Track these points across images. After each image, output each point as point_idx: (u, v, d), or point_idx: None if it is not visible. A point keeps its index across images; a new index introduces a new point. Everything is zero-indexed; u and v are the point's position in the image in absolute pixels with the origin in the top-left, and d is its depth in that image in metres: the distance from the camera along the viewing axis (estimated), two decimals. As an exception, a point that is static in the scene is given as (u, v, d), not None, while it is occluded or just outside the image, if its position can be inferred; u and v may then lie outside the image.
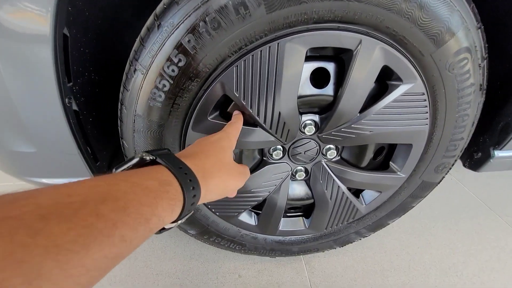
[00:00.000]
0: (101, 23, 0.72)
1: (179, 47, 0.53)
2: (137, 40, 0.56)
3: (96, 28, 0.70)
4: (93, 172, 0.75)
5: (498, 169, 0.87)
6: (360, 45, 0.57)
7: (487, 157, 0.85)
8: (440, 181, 0.85)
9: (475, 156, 0.88)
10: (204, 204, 0.81)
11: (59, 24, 0.51)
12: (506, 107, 0.78)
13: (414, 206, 0.93)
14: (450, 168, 0.82)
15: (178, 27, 0.51)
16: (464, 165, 0.93)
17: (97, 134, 0.77)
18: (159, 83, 0.57)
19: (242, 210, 0.84)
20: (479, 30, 0.59)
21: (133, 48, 0.57)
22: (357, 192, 0.90)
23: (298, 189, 0.89)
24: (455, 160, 0.80)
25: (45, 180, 0.74)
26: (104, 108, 0.78)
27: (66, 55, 0.57)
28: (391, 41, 0.58)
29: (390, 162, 0.81)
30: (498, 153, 0.83)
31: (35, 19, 0.49)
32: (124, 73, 0.59)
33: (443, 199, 1.37)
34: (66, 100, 0.61)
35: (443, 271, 1.01)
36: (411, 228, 1.19)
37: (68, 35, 0.55)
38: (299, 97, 0.66)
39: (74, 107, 0.64)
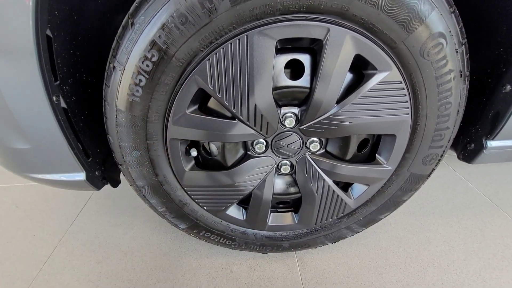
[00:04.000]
0: (92, 28, 0.76)
1: (151, 43, 0.56)
2: (115, 39, 0.59)
3: (86, 32, 0.75)
4: (85, 168, 0.79)
5: (492, 160, 0.84)
6: (328, 35, 0.57)
7: (480, 148, 0.82)
8: (431, 173, 0.83)
9: (468, 147, 0.85)
10: (191, 198, 0.83)
11: (40, 26, 0.55)
12: (496, 95, 0.75)
13: (406, 200, 0.90)
14: (440, 160, 0.80)
15: (149, 23, 0.54)
16: (458, 157, 0.90)
17: (90, 132, 0.80)
18: (136, 78, 0.59)
19: (229, 204, 0.85)
20: (453, 14, 0.58)
21: (112, 47, 0.60)
22: (346, 187, 0.89)
23: (285, 183, 0.89)
24: (444, 151, 0.78)
25: (40, 176, 0.79)
26: (98, 108, 0.83)
27: (51, 55, 0.61)
28: (361, 30, 0.58)
29: (376, 155, 0.80)
30: (491, 143, 0.80)
31: (18, 22, 0.53)
32: (105, 70, 0.63)
33: (446, 196, 1.32)
34: (54, 97, 0.65)
35: (441, 269, 0.98)
36: (410, 225, 1.16)
37: (52, 36, 0.59)
38: (275, 89, 0.67)
39: (63, 104, 0.68)
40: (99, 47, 0.81)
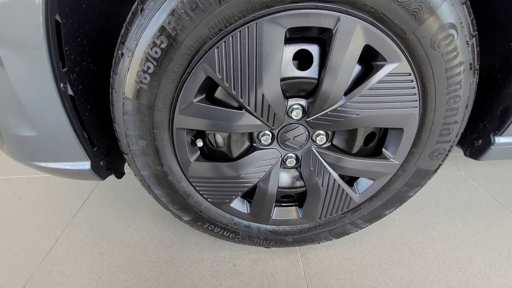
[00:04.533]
0: (100, 16, 0.76)
1: (161, 29, 0.55)
2: (124, 25, 0.59)
3: (94, 20, 0.75)
4: (90, 157, 0.78)
5: (500, 157, 0.83)
6: (338, 24, 0.57)
7: (488, 144, 0.81)
8: (437, 168, 0.82)
9: (476, 143, 0.84)
10: (195, 189, 0.83)
11: (50, 10, 0.55)
12: (505, 89, 0.75)
13: (411, 196, 0.90)
14: (447, 155, 0.79)
15: (159, 9, 0.54)
16: (465, 154, 0.89)
17: (96, 121, 0.80)
18: (144, 65, 0.59)
19: (233, 197, 0.85)
20: (464, 5, 0.57)
21: (120, 33, 0.60)
22: (351, 181, 0.88)
23: (290, 177, 0.89)
24: (451, 146, 0.77)
25: (45, 164, 0.79)
26: (103, 97, 0.82)
27: (59, 40, 0.61)
28: (371, 19, 0.57)
29: (383, 149, 0.79)
30: (499, 139, 0.79)
31: (28, 5, 0.53)
32: (113, 57, 0.63)
33: (450, 195, 1.31)
34: (61, 84, 0.65)
35: (445, 266, 0.97)
36: (413, 223, 1.15)
37: (61, 22, 0.59)
38: (283, 79, 0.66)
39: (70, 92, 0.68)
40: (105, 38, 0.80)
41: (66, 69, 0.65)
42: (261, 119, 0.69)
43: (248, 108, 0.66)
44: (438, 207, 1.24)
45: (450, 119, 0.71)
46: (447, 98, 0.67)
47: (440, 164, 0.82)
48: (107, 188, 1.39)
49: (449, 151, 0.78)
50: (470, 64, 0.63)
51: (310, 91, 0.69)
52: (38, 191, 1.39)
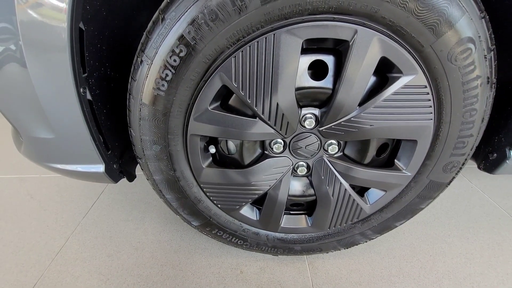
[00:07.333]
0: (118, 24, 0.78)
1: (180, 38, 0.57)
2: (144, 33, 0.60)
3: (113, 27, 0.77)
4: (104, 161, 0.80)
5: (516, 171, 0.81)
6: (356, 36, 0.57)
7: (503, 158, 0.80)
8: (451, 181, 0.81)
9: (490, 157, 0.83)
10: (206, 195, 0.83)
11: (75, 18, 0.57)
12: (522, 104, 0.74)
13: (423, 208, 0.88)
14: (461, 168, 0.79)
15: (179, 19, 0.55)
16: (478, 167, 0.88)
17: (111, 125, 0.82)
18: (162, 72, 0.60)
19: (243, 204, 0.85)
20: (483, 19, 0.57)
21: (140, 41, 0.61)
22: (362, 192, 0.88)
23: (300, 185, 0.88)
24: (466, 159, 0.76)
25: (60, 166, 0.81)
26: (119, 102, 0.84)
27: (81, 47, 0.62)
28: (389, 32, 0.58)
29: (395, 160, 0.79)
30: (515, 154, 0.78)
31: (54, 13, 0.55)
32: (132, 64, 0.64)
33: (462, 207, 1.29)
34: (81, 89, 0.66)
35: (457, 281, 0.95)
36: (424, 235, 1.13)
37: (84, 29, 0.61)
38: (298, 89, 0.67)
39: (89, 96, 0.70)
40: (122, 43, 0.82)
41: (86, 74, 0.67)
42: (274, 127, 0.69)
43: (262, 116, 0.67)
44: (449, 220, 1.22)
45: (465, 132, 0.70)
46: (463, 112, 0.67)
47: (454, 177, 0.81)
48: (116, 190, 1.41)
49: (463, 164, 0.77)
50: (488, 77, 0.63)
51: (324, 101, 0.70)
52: (49, 190, 1.42)
